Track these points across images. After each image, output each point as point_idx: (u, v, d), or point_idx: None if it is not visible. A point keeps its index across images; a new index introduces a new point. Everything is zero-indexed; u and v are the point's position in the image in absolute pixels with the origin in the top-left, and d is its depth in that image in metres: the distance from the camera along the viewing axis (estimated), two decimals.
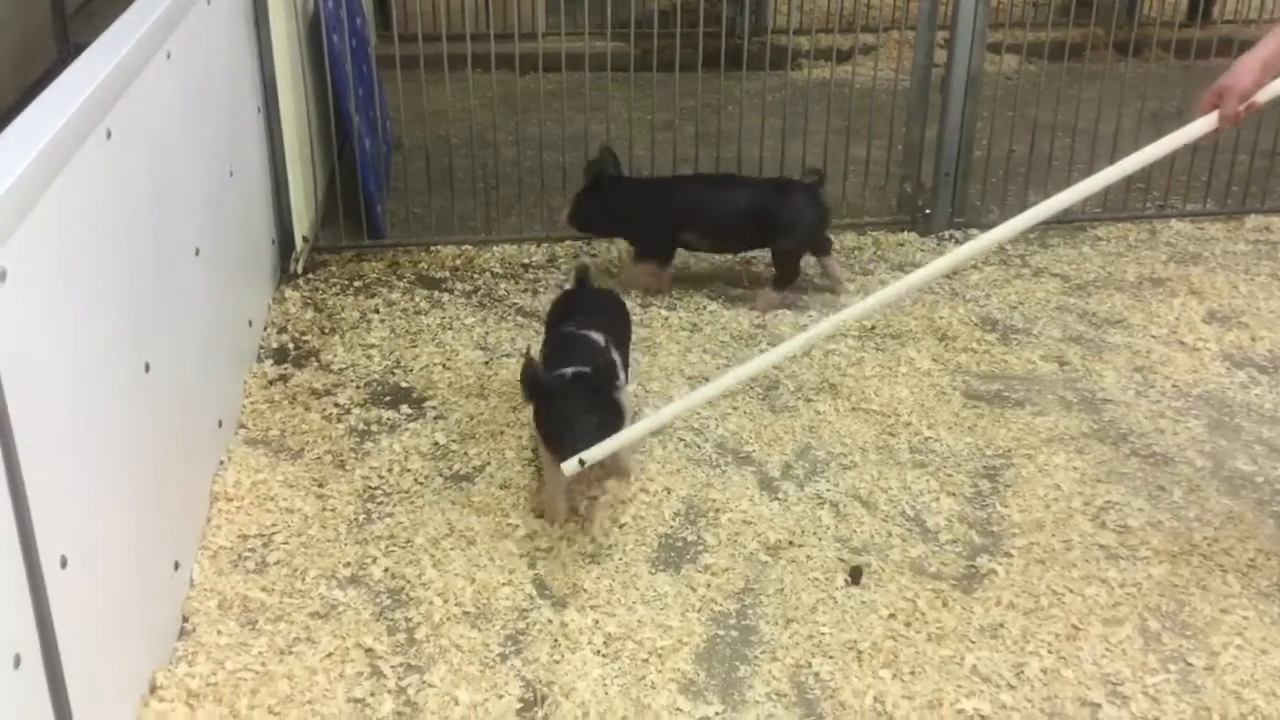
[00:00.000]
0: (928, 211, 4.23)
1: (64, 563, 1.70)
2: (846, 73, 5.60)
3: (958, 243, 4.16)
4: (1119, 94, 4.32)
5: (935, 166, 4.19)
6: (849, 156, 4.30)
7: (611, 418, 2.55)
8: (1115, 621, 2.40)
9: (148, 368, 2.21)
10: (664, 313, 3.63)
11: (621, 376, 2.76)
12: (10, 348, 1.55)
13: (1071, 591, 2.48)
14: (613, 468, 2.78)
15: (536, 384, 2.56)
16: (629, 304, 3.27)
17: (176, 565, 2.35)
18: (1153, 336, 3.54)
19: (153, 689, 2.15)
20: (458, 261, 3.97)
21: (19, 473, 1.56)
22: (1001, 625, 2.39)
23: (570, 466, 2.42)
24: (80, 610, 1.75)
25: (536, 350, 2.89)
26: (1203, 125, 2.32)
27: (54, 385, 1.74)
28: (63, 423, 1.77)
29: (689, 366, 3.34)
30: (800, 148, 4.24)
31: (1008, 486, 2.83)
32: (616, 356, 2.76)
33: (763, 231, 3.64)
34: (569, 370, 2.59)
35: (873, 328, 3.54)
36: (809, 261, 3.79)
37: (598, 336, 2.78)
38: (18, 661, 1.55)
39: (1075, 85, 4.46)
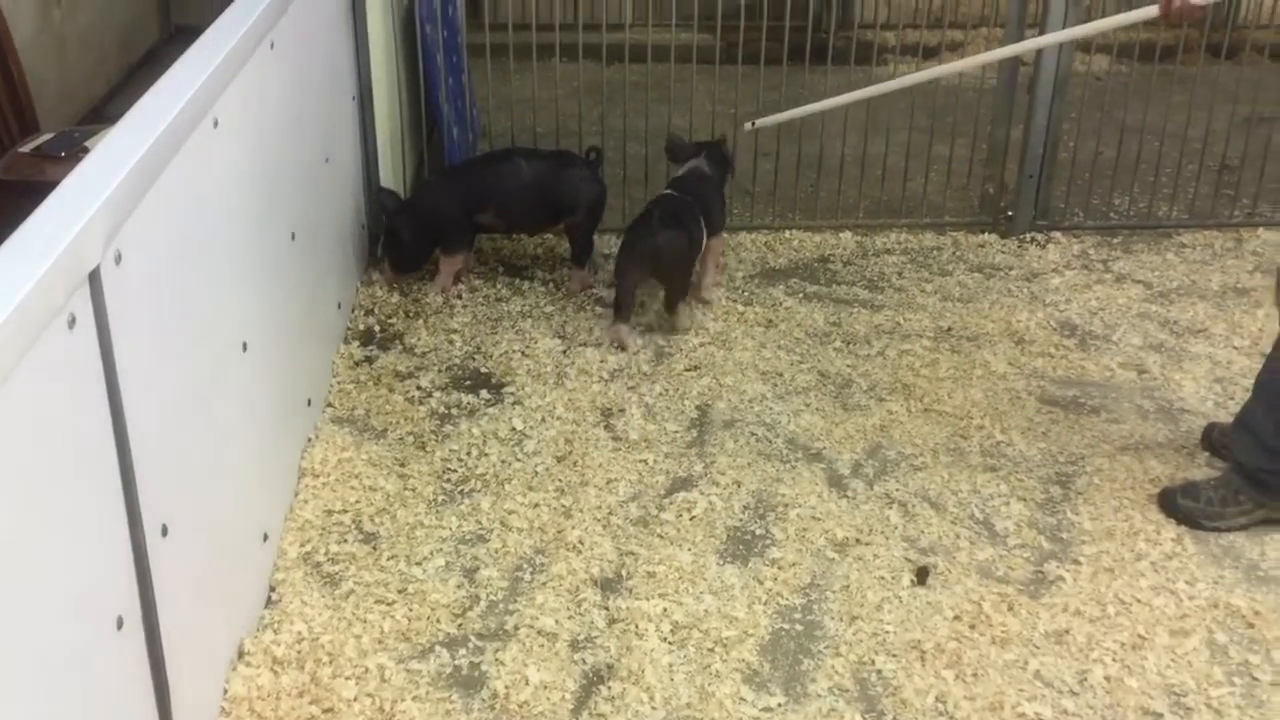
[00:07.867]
0: (1010, 213, 4.21)
1: (164, 531, 1.80)
2: None
3: (1039, 245, 4.15)
4: (1210, 97, 4.25)
5: (1019, 167, 4.16)
6: (931, 155, 4.28)
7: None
8: (1182, 633, 2.40)
9: (245, 347, 2.31)
10: (740, 308, 3.67)
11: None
12: (124, 324, 1.65)
13: (1139, 601, 2.48)
14: (667, 325, 3.42)
15: None
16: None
17: (265, 536, 2.45)
18: (1234, 347, 3.49)
19: (240, 654, 2.25)
20: (539, 250, 4.04)
21: (127, 443, 1.66)
22: (1067, 631, 2.40)
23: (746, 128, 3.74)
24: (178, 577, 1.85)
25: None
26: (1144, 13, 2.84)
27: (161, 361, 1.84)
28: (168, 398, 1.87)
29: (763, 361, 3.38)
30: (883, 144, 4.24)
31: (1079, 494, 2.83)
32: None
33: (549, 207, 3.72)
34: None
35: (949, 329, 3.55)
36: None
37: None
38: (120, 623, 1.65)
39: (1166, 87, 4.40)
